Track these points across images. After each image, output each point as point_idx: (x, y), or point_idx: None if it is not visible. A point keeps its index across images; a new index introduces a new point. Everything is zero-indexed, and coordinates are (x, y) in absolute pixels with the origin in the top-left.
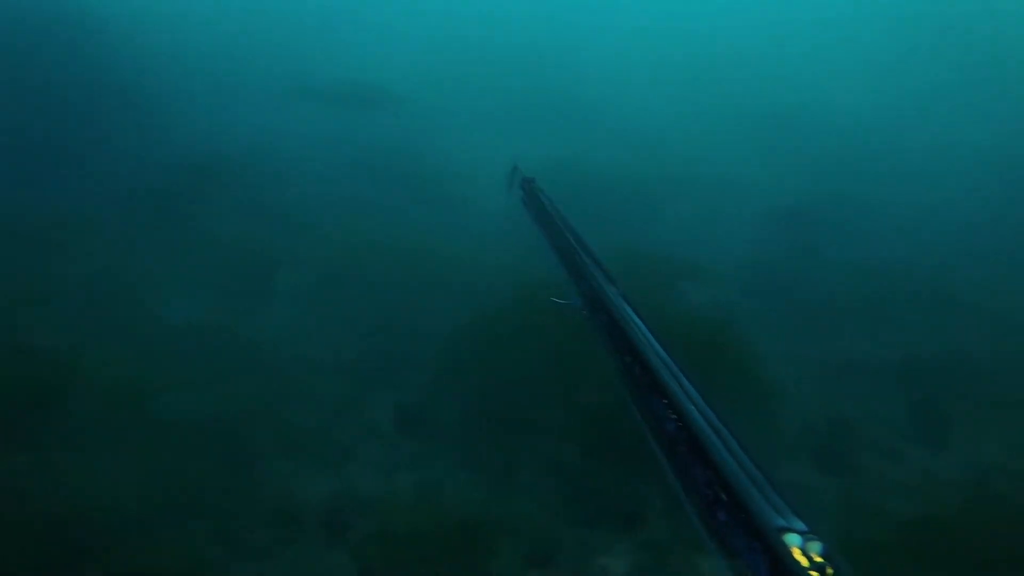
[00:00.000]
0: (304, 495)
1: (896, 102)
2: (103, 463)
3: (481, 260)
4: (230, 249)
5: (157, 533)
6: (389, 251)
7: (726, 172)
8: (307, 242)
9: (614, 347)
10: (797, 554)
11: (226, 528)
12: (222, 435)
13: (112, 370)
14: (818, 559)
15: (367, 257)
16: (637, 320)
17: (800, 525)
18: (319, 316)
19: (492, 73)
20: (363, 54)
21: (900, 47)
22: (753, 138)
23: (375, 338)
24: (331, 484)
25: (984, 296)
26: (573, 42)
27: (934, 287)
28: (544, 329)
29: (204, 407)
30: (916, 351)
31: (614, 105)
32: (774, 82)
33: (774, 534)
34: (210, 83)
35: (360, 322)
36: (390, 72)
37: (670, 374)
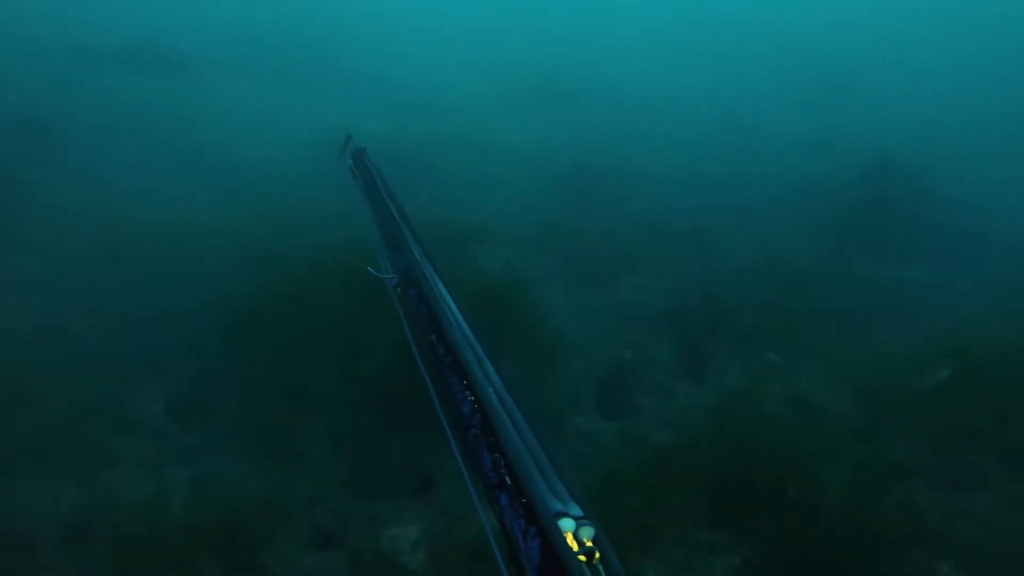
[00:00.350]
0: (40, 513)
1: (659, 72)
2: None
3: (256, 235)
4: None
5: None
6: (155, 229)
7: (512, 139)
8: (46, 220)
9: (420, 324)
10: (570, 538)
11: None
12: None
13: None
14: (588, 543)
15: (127, 236)
16: (448, 298)
17: (576, 511)
18: (62, 303)
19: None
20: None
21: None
22: (536, 106)
23: (138, 325)
24: (79, 495)
25: (731, 244)
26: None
27: (693, 237)
28: (327, 304)
29: None
30: (683, 297)
31: (407, 73)
32: (551, 52)
33: (549, 519)
34: None
35: (118, 308)
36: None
37: (474, 356)
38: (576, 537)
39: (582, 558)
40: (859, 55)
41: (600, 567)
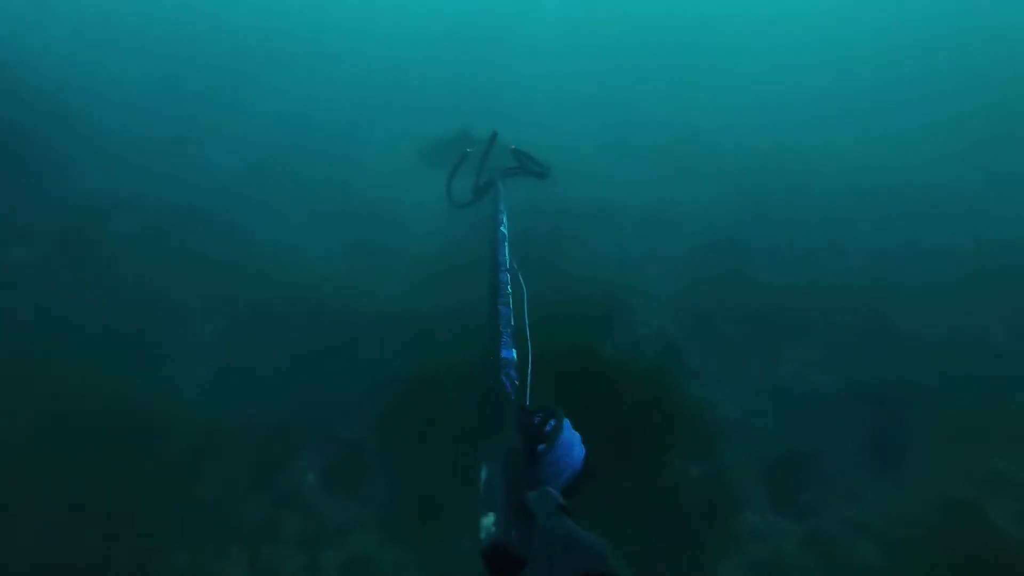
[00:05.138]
0: None
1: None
2: None
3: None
4: None
5: None
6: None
7: (639, 202)
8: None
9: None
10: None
11: None
12: None
13: None
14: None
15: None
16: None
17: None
18: (233, 367)
19: None
20: None
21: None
22: (663, 164)
23: (301, 395)
24: (241, 571)
25: (911, 318)
26: None
27: (862, 309)
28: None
29: None
30: (859, 379)
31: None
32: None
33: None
34: None
35: (283, 377)
36: None
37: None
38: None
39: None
40: None
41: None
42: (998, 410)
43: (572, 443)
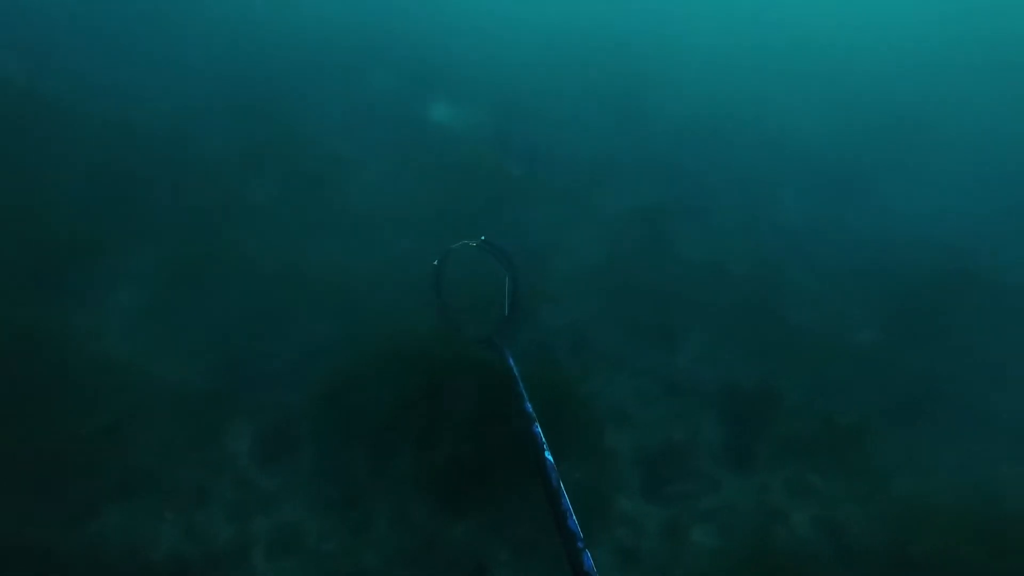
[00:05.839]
0: (142, 549)
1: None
2: None
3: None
4: None
5: None
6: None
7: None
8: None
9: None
10: None
11: None
12: None
13: None
14: None
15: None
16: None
17: None
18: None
19: None
20: None
21: None
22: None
23: (236, 364)
24: (175, 534)
25: (793, 314)
26: None
27: (755, 297)
28: (413, 378)
29: None
30: (738, 376)
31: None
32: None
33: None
34: None
35: (220, 345)
36: None
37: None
38: None
39: None
40: None
41: None
42: (829, 424)
43: None
